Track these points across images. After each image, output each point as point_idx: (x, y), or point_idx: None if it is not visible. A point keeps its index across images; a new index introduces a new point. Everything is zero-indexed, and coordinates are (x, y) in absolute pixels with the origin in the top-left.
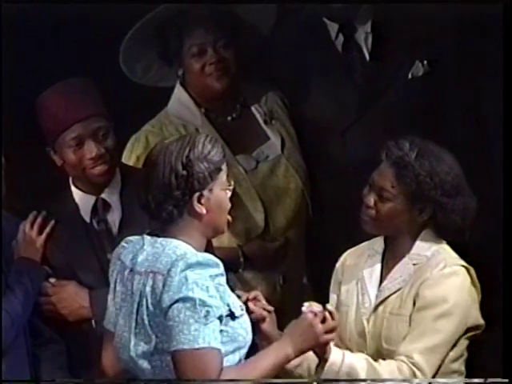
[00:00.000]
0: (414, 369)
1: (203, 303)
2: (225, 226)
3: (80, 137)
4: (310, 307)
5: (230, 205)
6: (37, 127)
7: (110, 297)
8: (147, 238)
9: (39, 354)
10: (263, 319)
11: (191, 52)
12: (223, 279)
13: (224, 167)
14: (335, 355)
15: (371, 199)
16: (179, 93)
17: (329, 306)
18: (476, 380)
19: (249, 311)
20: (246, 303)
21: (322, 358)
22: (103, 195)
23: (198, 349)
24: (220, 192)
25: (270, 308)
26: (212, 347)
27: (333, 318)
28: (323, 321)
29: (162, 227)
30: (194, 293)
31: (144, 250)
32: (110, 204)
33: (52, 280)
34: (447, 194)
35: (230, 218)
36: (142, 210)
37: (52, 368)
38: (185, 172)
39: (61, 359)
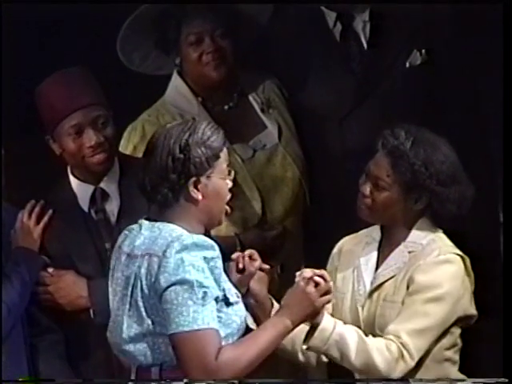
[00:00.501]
0: (402, 349)
1: (200, 284)
2: (222, 216)
3: (79, 125)
4: (302, 274)
5: (229, 195)
6: (36, 116)
7: (109, 285)
8: (145, 222)
9: (37, 343)
10: (251, 276)
11: (189, 41)
12: (219, 262)
13: (223, 155)
14: (327, 322)
15: (367, 188)
16: (176, 82)
17: (320, 271)
18: (476, 380)
19: (242, 271)
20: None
21: (314, 322)
22: (102, 184)
23: (198, 330)
24: (218, 180)
25: (266, 266)
26: (211, 327)
27: (325, 281)
28: (316, 285)
29: (160, 212)
30: (192, 275)
31: (141, 235)
32: (108, 193)
33: (50, 269)
34: (442, 183)
35: (228, 208)
36: (139, 191)
37: (50, 358)
38: (182, 155)
39: (59, 349)
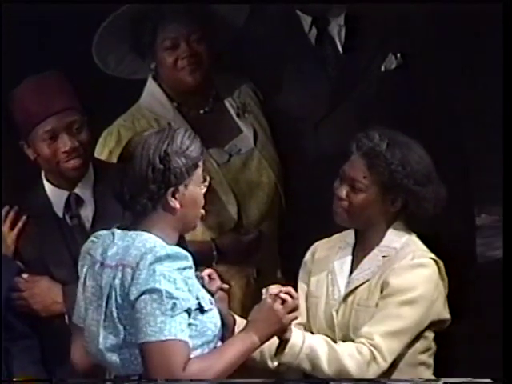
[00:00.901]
0: (374, 351)
1: (170, 295)
2: (197, 222)
3: (54, 130)
4: (268, 291)
5: (203, 201)
6: (9, 121)
7: (79, 292)
8: (117, 231)
9: (11, 348)
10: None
11: (164, 45)
12: (191, 272)
13: (201, 163)
14: (296, 337)
15: (343, 191)
16: (151, 87)
17: (286, 288)
18: (476, 380)
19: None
20: (201, 278)
21: (283, 338)
22: (76, 190)
23: (164, 341)
24: (195, 188)
25: (225, 286)
26: (178, 339)
27: (292, 298)
28: (283, 302)
29: (135, 220)
30: (161, 284)
31: (114, 244)
32: (83, 199)
33: (25, 275)
34: (419, 183)
35: (203, 211)
36: (116, 200)
37: (24, 363)
38: (162, 166)
39: (34, 354)
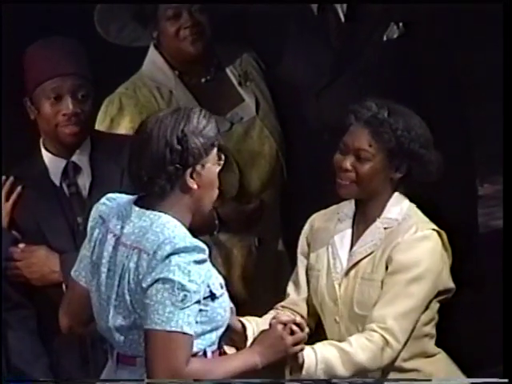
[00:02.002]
0: (386, 335)
1: (182, 287)
2: (211, 205)
3: (60, 89)
4: (280, 318)
5: (217, 181)
6: (11, 83)
7: (85, 250)
8: (135, 208)
9: (7, 318)
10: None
11: (166, 15)
12: (207, 264)
13: (216, 143)
14: (309, 356)
15: (348, 163)
16: (153, 55)
17: (298, 318)
18: (476, 380)
19: None
20: None
21: (296, 363)
22: (73, 158)
23: (169, 331)
24: (211, 167)
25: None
26: (184, 332)
27: (301, 330)
28: (292, 333)
29: (151, 201)
30: (175, 275)
31: (131, 221)
32: (80, 167)
33: (21, 245)
34: (424, 146)
35: (217, 192)
36: (132, 183)
37: (21, 333)
38: (179, 147)
39: (30, 323)
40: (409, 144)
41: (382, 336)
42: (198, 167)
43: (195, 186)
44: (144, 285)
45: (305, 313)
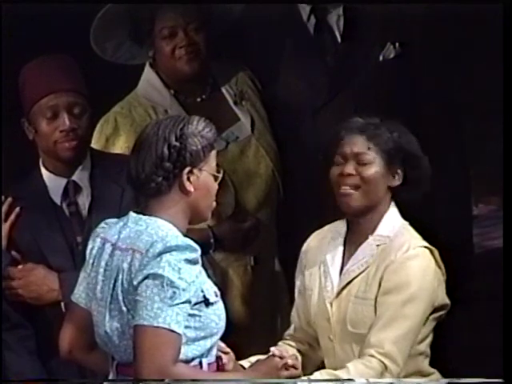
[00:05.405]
0: (385, 360)
1: (171, 283)
2: (209, 214)
3: (56, 106)
4: (280, 351)
5: (215, 193)
6: (11, 102)
7: (83, 272)
8: (132, 214)
9: (7, 338)
10: (221, 359)
11: (162, 34)
12: (199, 266)
13: (214, 153)
14: None
15: (350, 167)
16: (148, 74)
17: (296, 358)
18: (476, 380)
19: None
20: None
21: None
22: (74, 177)
23: (156, 327)
24: (208, 175)
25: (228, 350)
26: (171, 330)
27: (296, 368)
28: (288, 367)
29: (147, 204)
30: (165, 271)
31: (127, 227)
32: (80, 186)
33: (20, 266)
34: (419, 149)
35: (215, 204)
36: (131, 183)
37: (20, 353)
38: (178, 144)
39: (29, 344)
40: (407, 144)
41: (381, 361)
42: (196, 170)
43: (192, 189)
44: (135, 282)
45: (312, 337)
